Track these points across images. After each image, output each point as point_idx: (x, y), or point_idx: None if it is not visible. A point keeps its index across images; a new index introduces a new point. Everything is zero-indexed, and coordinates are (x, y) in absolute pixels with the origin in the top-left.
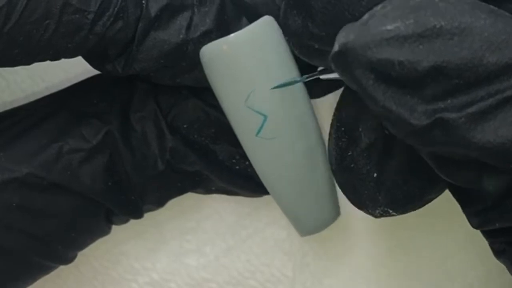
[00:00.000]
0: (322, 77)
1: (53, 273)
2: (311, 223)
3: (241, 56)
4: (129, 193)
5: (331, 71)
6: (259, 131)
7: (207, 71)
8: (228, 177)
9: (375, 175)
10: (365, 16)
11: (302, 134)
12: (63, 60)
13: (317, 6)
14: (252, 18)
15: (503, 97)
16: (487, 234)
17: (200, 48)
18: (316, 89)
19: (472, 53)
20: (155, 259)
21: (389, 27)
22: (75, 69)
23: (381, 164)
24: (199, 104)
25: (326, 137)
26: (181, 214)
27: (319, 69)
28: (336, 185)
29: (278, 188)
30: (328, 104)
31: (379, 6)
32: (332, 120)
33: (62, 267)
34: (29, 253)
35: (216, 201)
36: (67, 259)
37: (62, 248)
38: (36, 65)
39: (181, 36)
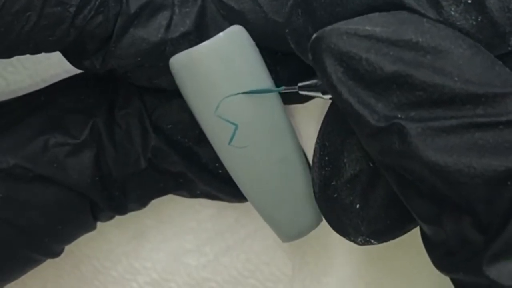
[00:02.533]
0: (300, 92)
1: (54, 273)
2: (291, 229)
3: (209, 66)
4: (112, 189)
5: (310, 88)
6: (231, 140)
7: (177, 81)
8: (210, 180)
9: (357, 206)
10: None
11: (275, 142)
12: (65, 61)
13: (319, 13)
14: (238, 24)
15: (465, 123)
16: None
17: (179, 49)
18: (296, 96)
19: (441, 74)
20: (155, 259)
21: (367, 27)
22: (76, 71)
23: (364, 196)
24: (184, 105)
25: (302, 144)
26: (181, 214)
27: (300, 84)
28: None
29: (254, 196)
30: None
31: (372, 14)
32: (315, 148)
33: (63, 266)
34: (15, 244)
35: (215, 201)
36: (54, 253)
37: (48, 240)
38: (37, 65)
39: (160, 35)
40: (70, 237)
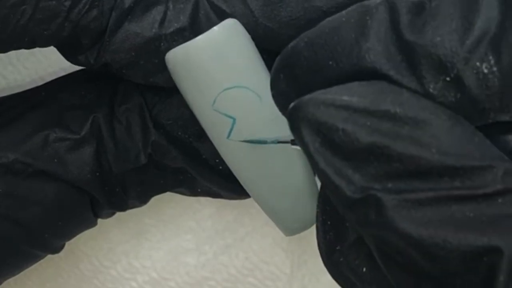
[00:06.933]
0: (292, 146)
1: (53, 272)
2: (293, 223)
3: (205, 59)
4: (113, 185)
5: None
6: (229, 134)
7: (174, 76)
8: (210, 176)
9: (364, 269)
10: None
11: (274, 134)
12: (64, 61)
13: (301, 80)
14: None
15: (442, 195)
16: None
17: (174, 46)
18: None
19: (418, 146)
20: (155, 258)
21: (345, 97)
22: (75, 69)
23: (370, 259)
24: (184, 101)
25: None
26: (180, 213)
27: (292, 138)
28: (317, 184)
29: (255, 190)
30: None
31: (351, 83)
32: (317, 213)
33: (62, 265)
34: (15, 240)
35: (214, 200)
36: (54, 248)
37: (48, 236)
38: (36, 64)
39: (154, 31)
40: (71, 233)
